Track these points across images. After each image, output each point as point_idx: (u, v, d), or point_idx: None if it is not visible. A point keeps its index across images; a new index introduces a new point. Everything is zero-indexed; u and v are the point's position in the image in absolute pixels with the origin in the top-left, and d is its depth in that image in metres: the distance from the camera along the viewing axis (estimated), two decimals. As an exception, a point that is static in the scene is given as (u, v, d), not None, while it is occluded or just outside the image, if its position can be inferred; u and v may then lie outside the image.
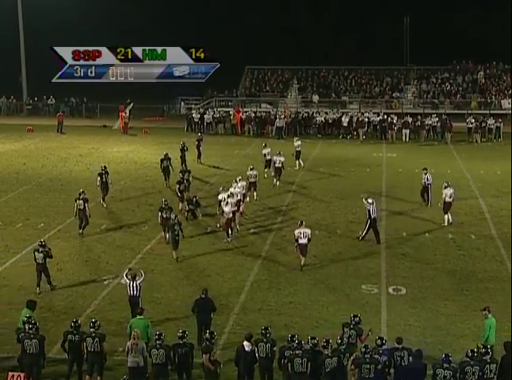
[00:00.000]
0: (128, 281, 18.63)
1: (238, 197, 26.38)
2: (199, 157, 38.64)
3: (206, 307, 17.38)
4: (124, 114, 51.03)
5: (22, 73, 61.02)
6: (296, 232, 22.70)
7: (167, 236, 24.08)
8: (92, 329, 15.26)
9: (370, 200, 25.14)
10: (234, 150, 43.28)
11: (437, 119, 48.28)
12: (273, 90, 61.35)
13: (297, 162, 37.31)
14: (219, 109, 55.09)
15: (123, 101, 52.26)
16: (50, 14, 63.82)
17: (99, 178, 29.57)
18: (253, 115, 51.51)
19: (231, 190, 26.45)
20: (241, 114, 51.43)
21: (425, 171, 29.49)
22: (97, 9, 66.75)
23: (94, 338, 15.14)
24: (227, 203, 25.13)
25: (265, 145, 36.29)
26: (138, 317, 16.42)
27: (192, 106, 58.50)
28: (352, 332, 15.66)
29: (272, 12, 68.57)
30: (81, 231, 25.60)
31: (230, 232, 25.06)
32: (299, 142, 38.29)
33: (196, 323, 17.41)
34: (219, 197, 26.46)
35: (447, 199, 27.14)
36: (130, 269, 19.58)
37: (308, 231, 22.71)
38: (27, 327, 15.38)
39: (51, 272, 21.28)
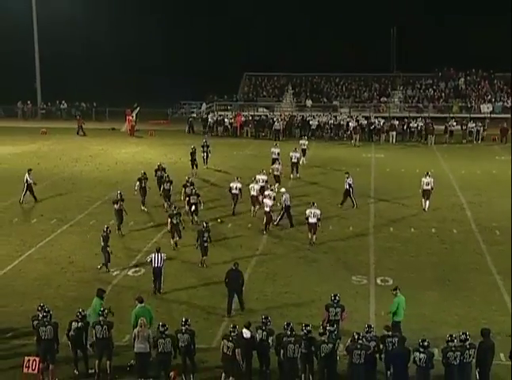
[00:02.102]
0: (153, 253, 19.84)
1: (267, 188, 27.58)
2: (206, 161, 37.04)
3: (236, 278, 18.52)
4: (130, 117, 50.96)
5: (37, 79, 61.00)
6: (307, 211, 23.87)
7: (175, 241, 23.59)
8: (101, 317, 15.32)
9: (283, 190, 26.90)
10: (234, 151, 43.23)
11: (422, 122, 48.30)
12: (269, 95, 61.31)
13: (302, 159, 37.70)
14: (219, 113, 55.05)
15: (130, 106, 52.19)
16: (62, 24, 63.91)
17: (138, 183, 28.31)
18: (250, 118, 51.47)
19: (266, 189, 27.21)
20: (241, 117, 51.32)
21: (347, 175, 29.48)
22: (104, 18, 66.81)
23: (103, 326, 15.22)
24: (269, 196, 25.83)
25: (276, 144, 37.40)
26: (139, 305, 16.38)
27: (195, 110, 58.49)
28: (337, 310, 16.28)
29: (268, 24, 68.70)
30: (120, 230, 25.13)
31: (270, 224, 25.60)
32: (305, 142, 39.31)
33: (227, 293, 18.47)
34: (231, 185, 27.98)
35: (424, 187, 28.50)
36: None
37: (318, 211, 23.87)
38: (41, 315, 15.45)
39: (63, 264, 21.50)
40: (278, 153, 35.62)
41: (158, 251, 19.93)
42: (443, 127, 47.64)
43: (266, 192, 26.49)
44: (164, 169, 30.24)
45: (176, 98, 59.99)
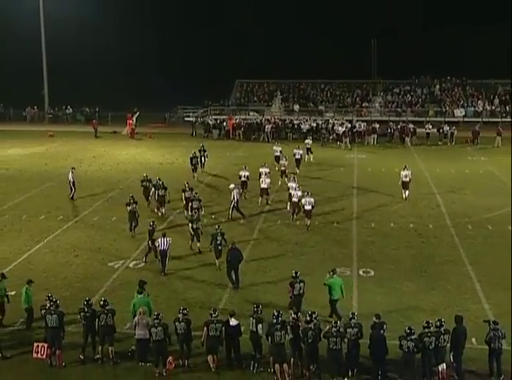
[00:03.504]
0: (160, 238, 20.37)
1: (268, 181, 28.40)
2: (203, 166, 36.04)
3: (235, 255, 19.41)
4: (131, 121, 50.87)
5: (44, 86, 60.78)
6: (303, 200, 24.99)
7: (196, 244, 22.83)
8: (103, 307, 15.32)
9: (232, 186, 27.13)
10: (227, 152, 43.21)
11: (399, 126, 48.42)
12: (259, 100, 61.33)
13: (307, 157, 38.61)
14: (214, 117, 55.02)
15: (130, 110, 52.09)
16: (69, 33, 63.73)
17: (153, 189, 27.41)
18: (242, 122, 51.38)
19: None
20: (233, 120, 51.26)
21: (292, 175, 29.47)
22: (107, 28, 66.65)
23: (107, 314, 15.26)
24: (295, 188, 26.47)
25: (277, 143, 38.05)
26: (139, 296, 16.33)
27: (191, 114, 58.42)
28: (301, 285, 16.98)
29: (259, 35, 68.77)
30: (132, 231, 24.43)
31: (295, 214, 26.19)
32: (309, 141, 40.23)
33: (227, 269, 19.43)
34: (240, 173, 29.55)
35: (403, 179, 29.61)
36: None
37: (312, 200, 25.04)
38: (48, 304, 15.44)
39: (69, 258, 21.53)
40: (280, 151, 36.05)
41: (164, 236, 20.48)
42: (422, 130, 47.82)
43: (294, 185, 27.02)
44: (150, 180, 28.28)
45: (173, 103, 59.92)
